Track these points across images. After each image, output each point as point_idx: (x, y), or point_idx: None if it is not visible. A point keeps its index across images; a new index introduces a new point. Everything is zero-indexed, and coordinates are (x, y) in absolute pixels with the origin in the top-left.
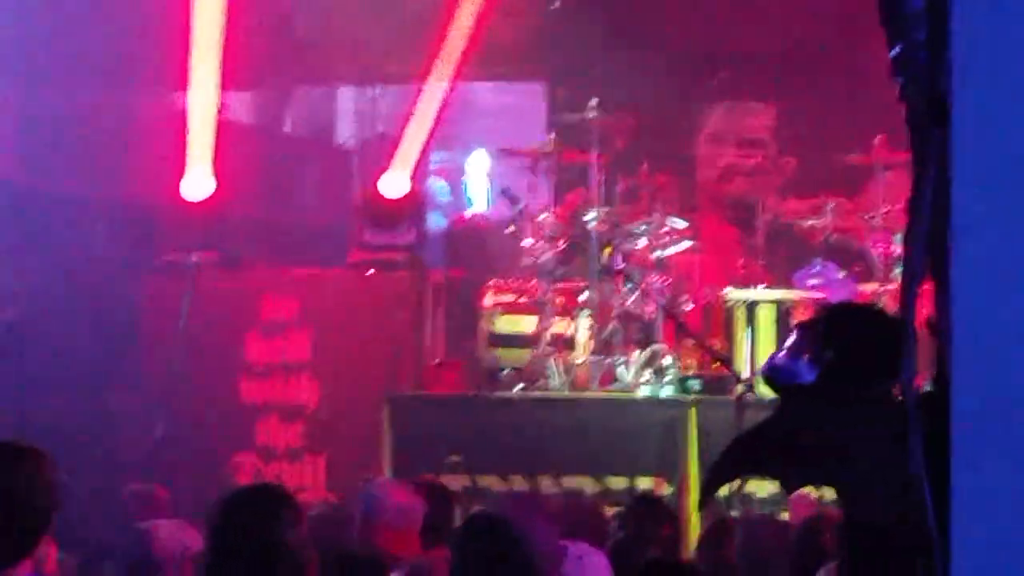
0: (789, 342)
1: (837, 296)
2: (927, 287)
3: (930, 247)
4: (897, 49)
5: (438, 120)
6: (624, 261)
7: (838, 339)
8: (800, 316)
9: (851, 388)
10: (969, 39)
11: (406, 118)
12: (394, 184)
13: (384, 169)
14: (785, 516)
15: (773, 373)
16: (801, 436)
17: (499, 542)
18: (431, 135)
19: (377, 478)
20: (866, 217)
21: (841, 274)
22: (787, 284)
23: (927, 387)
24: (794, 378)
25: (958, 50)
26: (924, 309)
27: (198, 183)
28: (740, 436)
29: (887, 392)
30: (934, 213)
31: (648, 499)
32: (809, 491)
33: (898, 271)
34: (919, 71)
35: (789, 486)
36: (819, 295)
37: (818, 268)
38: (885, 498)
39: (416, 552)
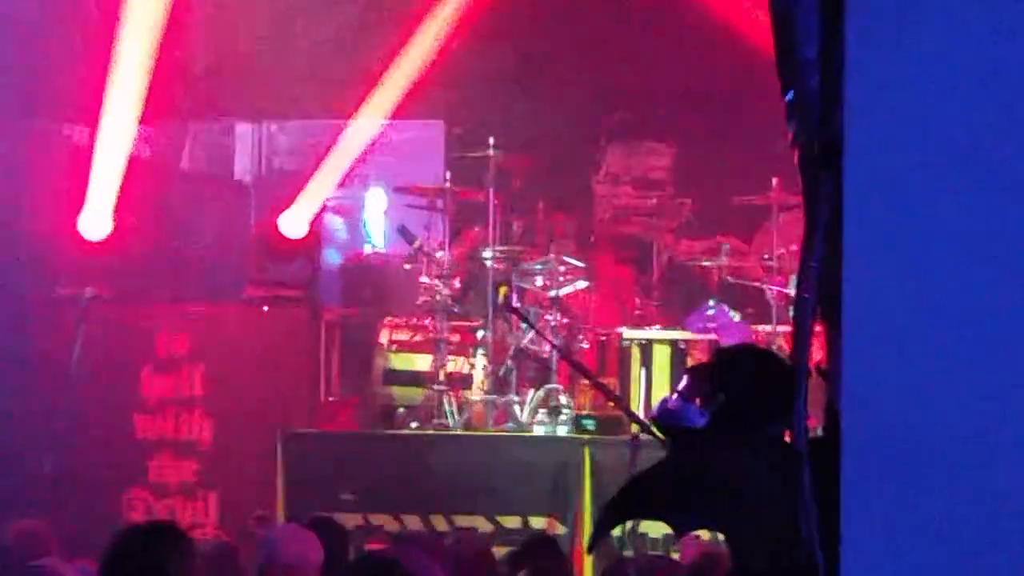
0: (680, 386)
1: (730, 339)
2: (819, 329)
3: (822, 289)
4: (791, 95)
5: (357, 157)
6: (520, 300)
7: (729, 382)
8: (695, 357)
9: (742, 431)
10: (861, 86)
11: (310, 155)
12: (294, 222)
13: (282, 205)
14: (676, 556)
15: (664, 416)
16: (693, 479)
17: None
18: (345, 173)
19: (274, 524)
20: (762, 258)
21: (734, 316)
22: (683, 325)
23: (818, 431)
24: (686, 421)
25: (850, 97)
26: (816, 352)
27: (97, 221)
28: (633, 478)
29: (778, 435)
30: (826, 256)
31: (542, 539)
32: (700, 532)
33: (792, 313)
34: (812, 117)
35: (680, 530)
36: (712, 337)
37: (711, 311)
38: (775, 543)
39: None
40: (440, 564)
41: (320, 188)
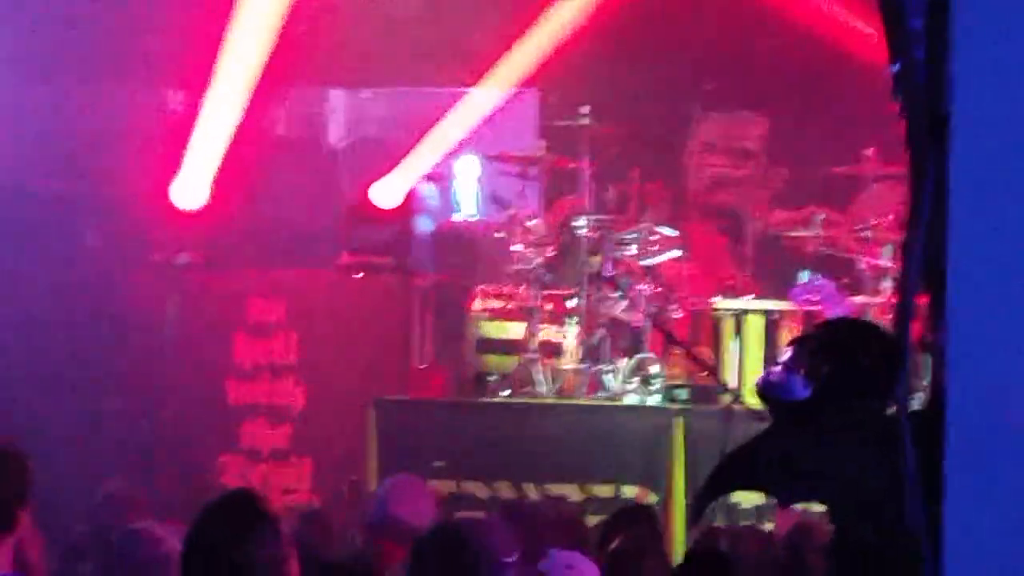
0: (784, 357)
1: (833, 312)
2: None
3: (926, 263)
4: (897, 66)
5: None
6: (613, 269)
7: (835, 355)
8: (789, 328)
9: (847, 404)
10: (968, 58)
11: (403, 123)
12: (387, 192)
13: (374, 173)
14: (769, 527)
15: (768, 388)
16: (797, 452)
17: (453, 555)
18: (443, 146)
19: (395, 477)
20: (855, 229)
21: (838, 289)
22: (775, 295)
23: (920, 405)
24: (789, 394)
25: (957, 69)
26: (917, 327)
27: (192, 190)
28: (734, 450)
29: (881, 409)
30: (930, 230)
31: (637, 507)
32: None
33: (886, 284)
34: (919, 89)
35: (783, 502)
36: (814, 309)
37: (816, 282)
38: (879, 517)
39: None
40: (530, 532)
41: (416, 160)
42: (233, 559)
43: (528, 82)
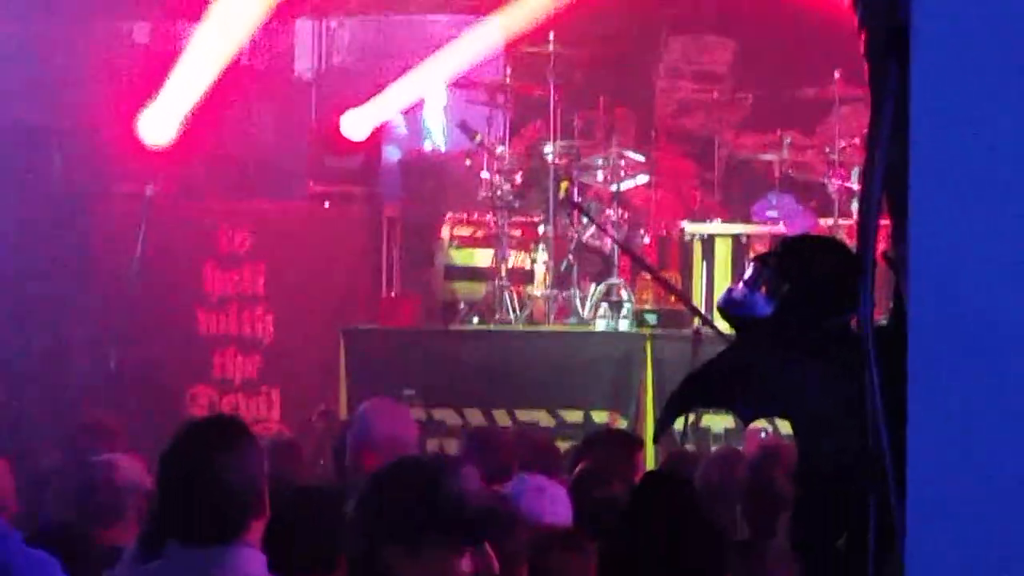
0: (746, 275)
1: (795, 229)
2: (884, 222)
3: (888, 181)
4: None
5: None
6: (581, 195)
7: (795, 272)
8: (757, 250)
9: (808, 321)
10: None
11: (370, 52)
12: (356, 124)
13: (342, 102)
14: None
15: (729, 306)
16: (757, 369)
17: (411, 489)
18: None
19: (373, 399)
20: (824, 152)
21: (799, 206)
22: (744, 218)
23: (883, 320)
24: (751, 311)
25: None
26: (881, 243)
27: (161, 125)
28: (696, 369)
29: (844, 325)
30: (892, 147)
31: (609, 433)
32: (764, 426)
33: (855, 206)
34: (878, 2)
35: (745, 418)
36: (777, 228)
37: (776, 200)
38: (841, 432)
39: None
40: (500, 459)
41: (389, 96)
42: (217, 473)
43: (495, 9)
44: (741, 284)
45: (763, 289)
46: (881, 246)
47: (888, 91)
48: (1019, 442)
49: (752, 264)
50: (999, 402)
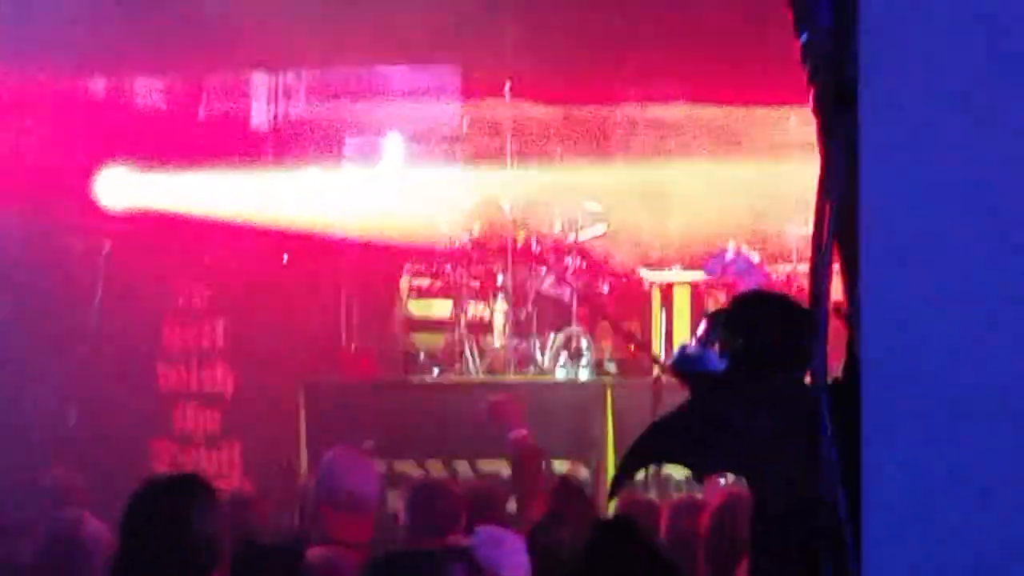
0: (699, 331)
1: (749, 283)
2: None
3: (839, 230)
4: (804, 36)
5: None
6: (539, 244)
7: (748, 328)
8: (715, 298)
9: (762, 376)
10: (875, 26)
11: (328, 102)
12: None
13: (300, 154)
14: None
15: (684, 363)
16: (713, 425)
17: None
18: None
19: (336, 449)
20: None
21: (754, 258)
22: (701, 266)
23: (837, 374)
24: (705, 367)
25: (864, 36)
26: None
27: (118, 184)
28: (654, 424)
29: (798, 380)
30: (842, 197)
31: (565, 482)
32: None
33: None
34: (826, 57)
35: (701, 474)
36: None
37: (729, 255)
38: (796, 487)
39: (370, 538)
40: (452, 510)
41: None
42: (177, 529)
43: (451, 59)
44: (695, 341)
45: (716, 346)
46: (834, 297)
47: (837, 143)
48: (969, 496)
49: (705, 321)
50: (950, 454)
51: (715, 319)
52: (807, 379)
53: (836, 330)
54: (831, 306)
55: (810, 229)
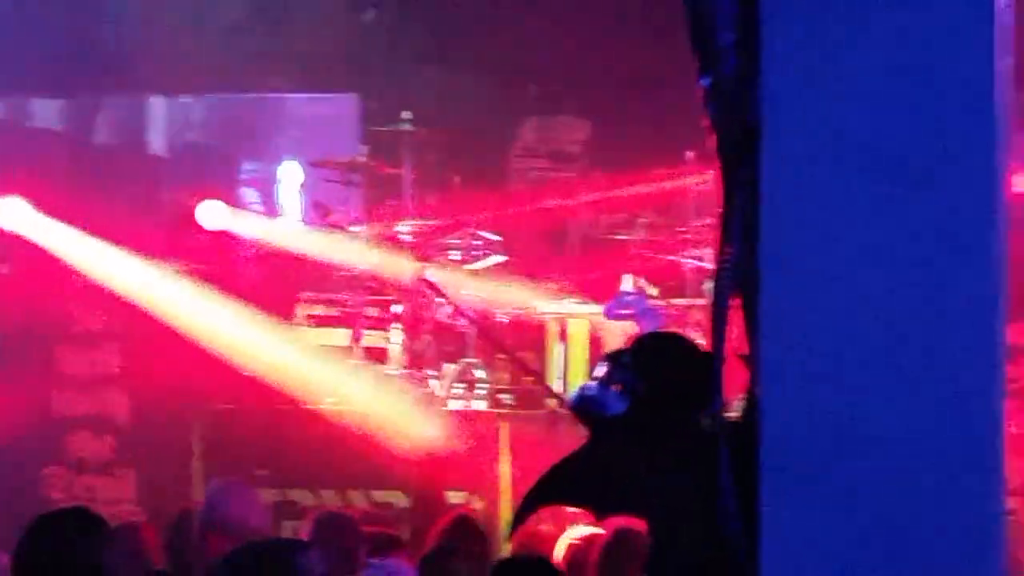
0: (598, 372)
1: (648, 325)
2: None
3: (739, 273)
4: (708, 80)
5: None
6: (436, 275)
7: (650, 370)
8: (613, 332)
9: (661, 417)
10: (777, 72)
11: (225, 128)
12: (214, 213)
13: (197, 179)
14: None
15: (583, 403)
16: (612, 467)
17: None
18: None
19: (222, 480)
20: (677, 231)
21: (653, 292)
22: (599, 298)
23: (736, 414)
24: (604, 408)
25: (766, 83)
26: (734, 337)
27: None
28: (553, 467)
29: (696, 421)
30: (743, 240)
31: (459, 514)
32: None
33: (709, 285)
34: (729, 102)
35: (600, 514)
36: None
37: (629, 298)
38: (694, 524)
39: None
40: (351, 542)
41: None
42: (67, 566)
43: (348, 87)
44: (594, 382)
45: (615, 387)
46: (735, 339)
47: (739, 187)
48: (864, 527)
49: (604, 362)
50: (845, 490)
51: (616, 360)
52: (706, 420)
53: (737, 371)
54: (731, 349)
55: (708, 263)
